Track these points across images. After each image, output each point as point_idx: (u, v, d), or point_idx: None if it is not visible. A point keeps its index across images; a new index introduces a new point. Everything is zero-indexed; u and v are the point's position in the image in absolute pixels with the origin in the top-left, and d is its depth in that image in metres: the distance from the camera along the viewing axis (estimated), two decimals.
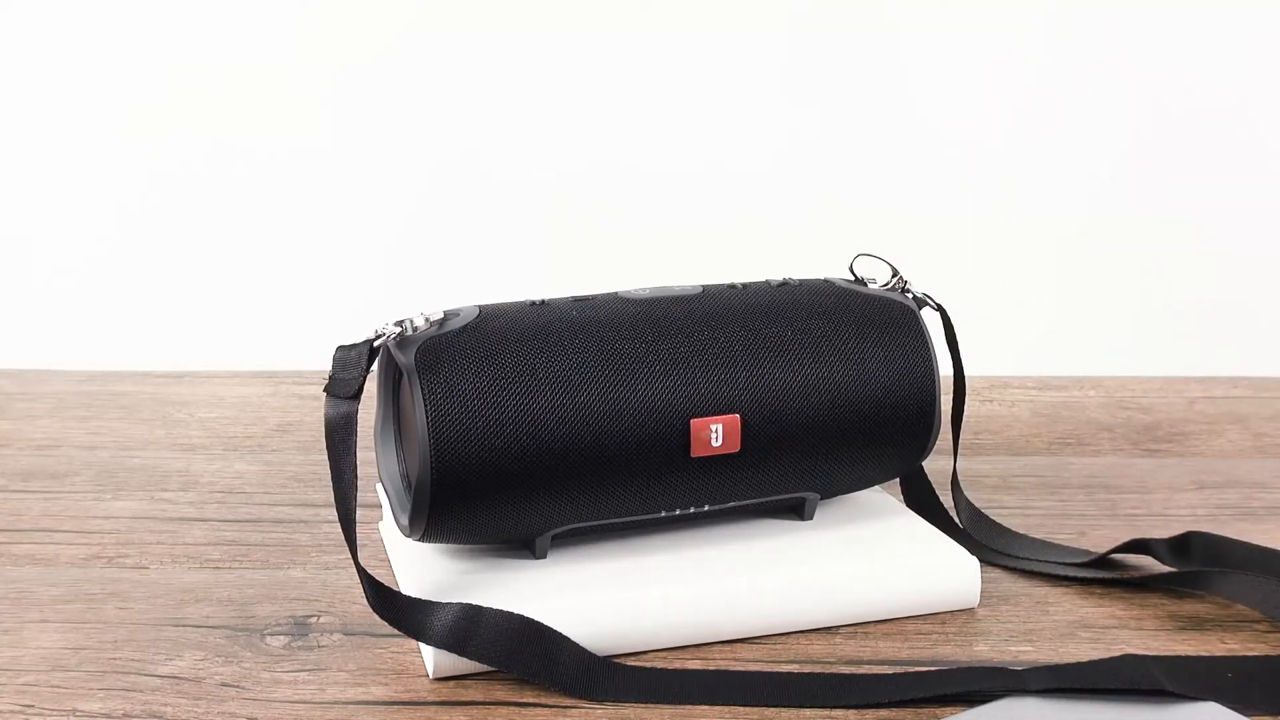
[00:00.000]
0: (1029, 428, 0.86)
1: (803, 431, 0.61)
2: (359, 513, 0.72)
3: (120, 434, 0.85)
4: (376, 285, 1.34)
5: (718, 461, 0.60)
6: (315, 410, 0.89)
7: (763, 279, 0.66)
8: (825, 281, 0.66)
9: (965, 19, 1.35)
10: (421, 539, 0.60)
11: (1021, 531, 0.70)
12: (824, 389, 0.62)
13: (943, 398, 0.65)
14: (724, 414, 0.60)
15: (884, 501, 0.68)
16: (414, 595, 0.60)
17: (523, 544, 0.62)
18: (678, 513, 0.62)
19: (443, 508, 0.58)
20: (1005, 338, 1.37)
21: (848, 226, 1.32)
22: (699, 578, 0.60)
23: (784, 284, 0.65)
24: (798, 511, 0.66)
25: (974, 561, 0.62)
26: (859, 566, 0.61)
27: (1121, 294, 1.40)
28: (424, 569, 0.61)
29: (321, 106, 1.37)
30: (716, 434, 0.60)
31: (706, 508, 0.63)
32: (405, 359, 0.58)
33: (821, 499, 0.66)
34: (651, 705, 0.54)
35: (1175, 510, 0.74)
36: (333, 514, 0.73)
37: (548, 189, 1.36)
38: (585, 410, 0.58)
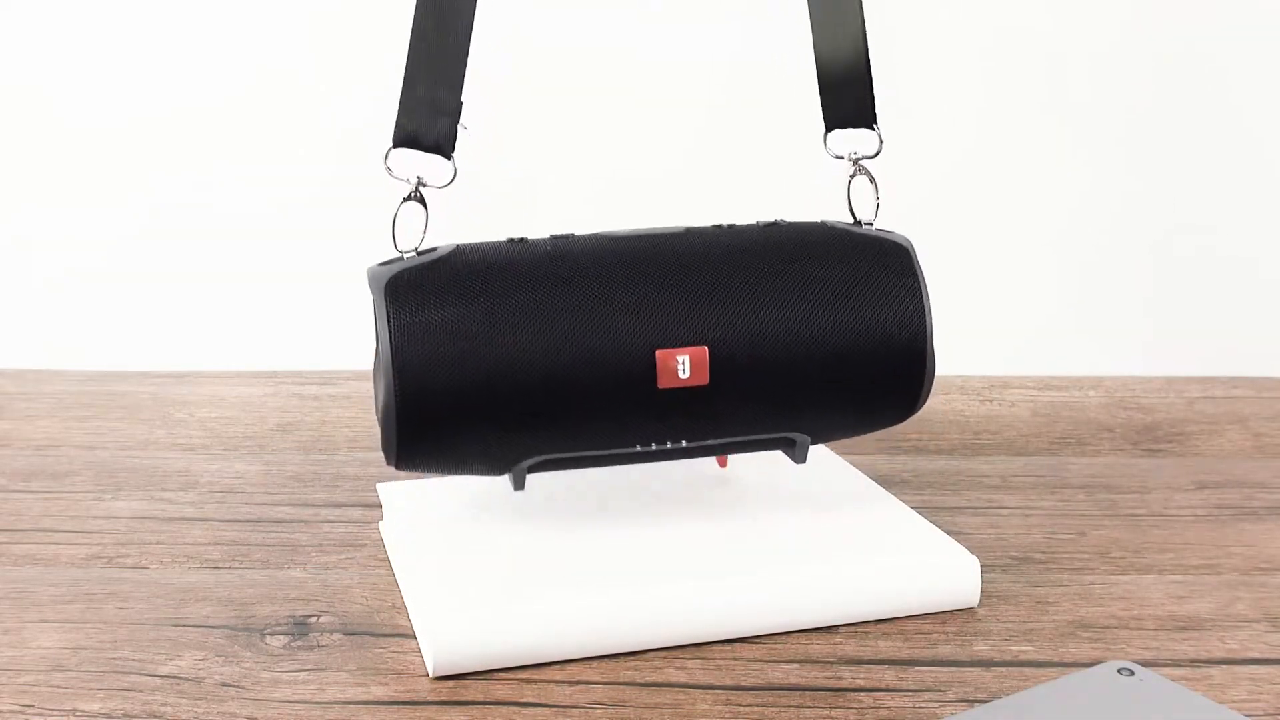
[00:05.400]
0: (1029, 428, 0.86)
1: (776, 366, 0.61)
2: (358, 512, 0.73)
3: (120, 434, 0.85)
4: None
5: (687, 394, 0.60)
6: (315, 410, 0.89)
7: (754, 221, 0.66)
8: (821, 223, 0.66)
9: (959, 15, 1.35)
10: (398, 467, 0.60)
11: (1021, 531, 0.70)
12: (800, 324, 0.61)
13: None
14: (693, 345, 0.60)
15: (884, 501, 0.68)
16: (414, 594, 0.60)
17: (501, 473, 0.62)
18: (653, 447, 0.62)
19: (410, 435, 0.59)
20: (1005, 338, 1.37)
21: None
22: (698, 577, 0.60)
23: (774, 224, 0.65)
24: (790, 454, 0.65)
25: (974, 561, 0.62)
26: (859, 566, 0.61)
27: (1122, 293, 1.40)
28: (424, 569, 0.61)
29: (322, 106, 1.37)
30: (683, 365, 0.60)
31: (684, 443, 0.62)
32: (375, 289, 0.60)
33: (813, 443, 0.65)
34: (652, 705, 0.55)
35: (1175, 510, 0.74)
36: (333, 514, 0.73)
37: (548, 191, 1.36)
38: (552, 341, 0.59)
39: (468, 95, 0.62)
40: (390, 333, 0.58)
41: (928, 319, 0.63)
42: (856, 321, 0.62)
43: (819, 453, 0.75)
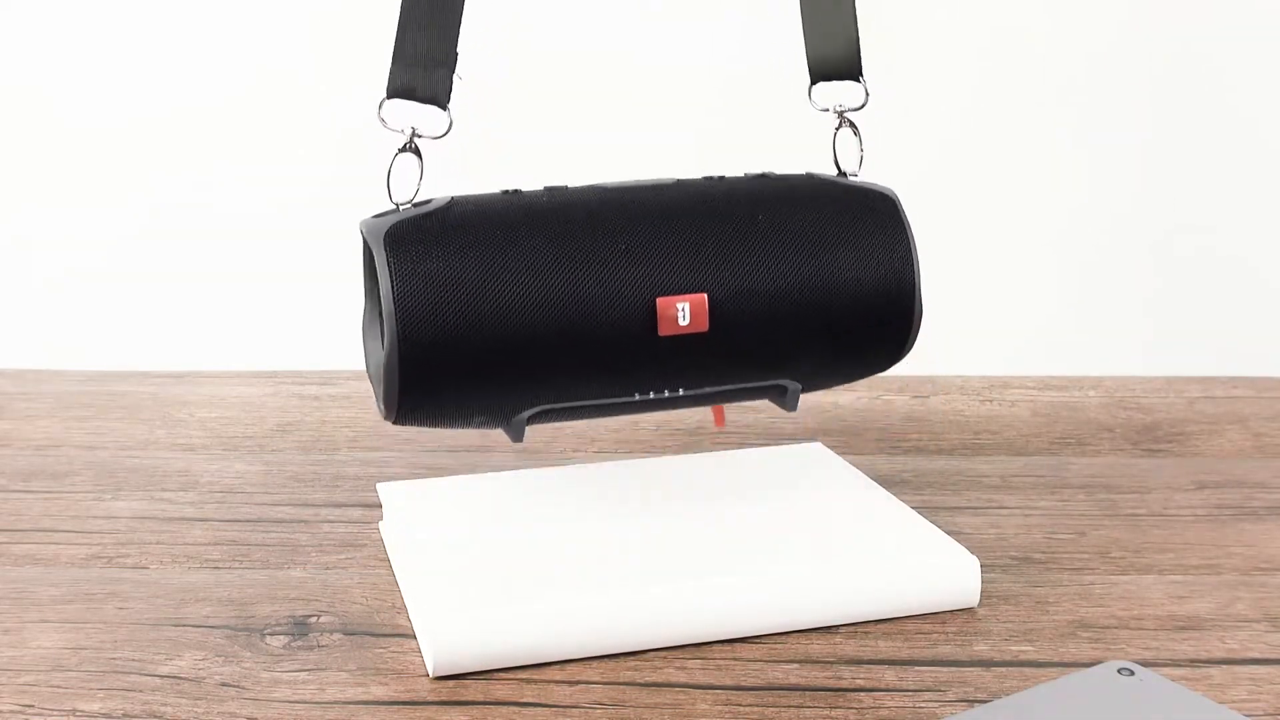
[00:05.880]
0: (1029, 428, 0.86)
1: (773, 313, 0.62)
2: (358, 512, 0.73)
3: (120, 434, 0.85)
4: None
5: (687, 341, 0.61)
6: (315, 410, 0.89)
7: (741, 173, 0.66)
8: (807, 174, 0.67)
9: (958, 15, 1.35)
10: (397, 421, 0.60)
11: (1021, 531, 0.70)
12: (795, 270, 0.62)
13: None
14: (692, 292, 0.60)
15: (885, 502, 0.68)
16: (414, 594, 0.60)
17: (501, 426, 0.62)
18: (651, 396, 0.62)
19: (412, 386, 0.58)
20: (1005, 338, 1.37)
21: None
22: (699, 577, 0.60)
23: (762, 176, 0.66)
24: (780, 402, 0.65)
25: (974, 561, 0.62)
26: (859, 566, 0.61)
27: (1122, 293, 1.41)
28: (424, 569, 0.61)
29: (322, 106, 1.37)
30: (683, 312, 0.60)
31: (681, 391, 0.63)
32: (373, 239, 0.59)
33: (804, 390, 0.65)
34: (652, 705, 0.55)
35: (1175, 510, 0.74)
36: (333, 514, 0.73)
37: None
38: (553, 289, 0.59)
39: (463, 47, 0.62)
40: (392, 282, 0.58)
41: (916, 263, 0.64)
42: (849, 267, 0.63)
43: (819, 453, 0.75)
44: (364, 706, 0.54)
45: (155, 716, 0.54)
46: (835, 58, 0.68)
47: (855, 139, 0.68)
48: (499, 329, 0.58)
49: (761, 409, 0.89)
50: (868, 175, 0.68)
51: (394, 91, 0.62)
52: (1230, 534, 0.71)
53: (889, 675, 0.57)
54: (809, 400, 0.90)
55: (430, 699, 0.55)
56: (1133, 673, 0.54)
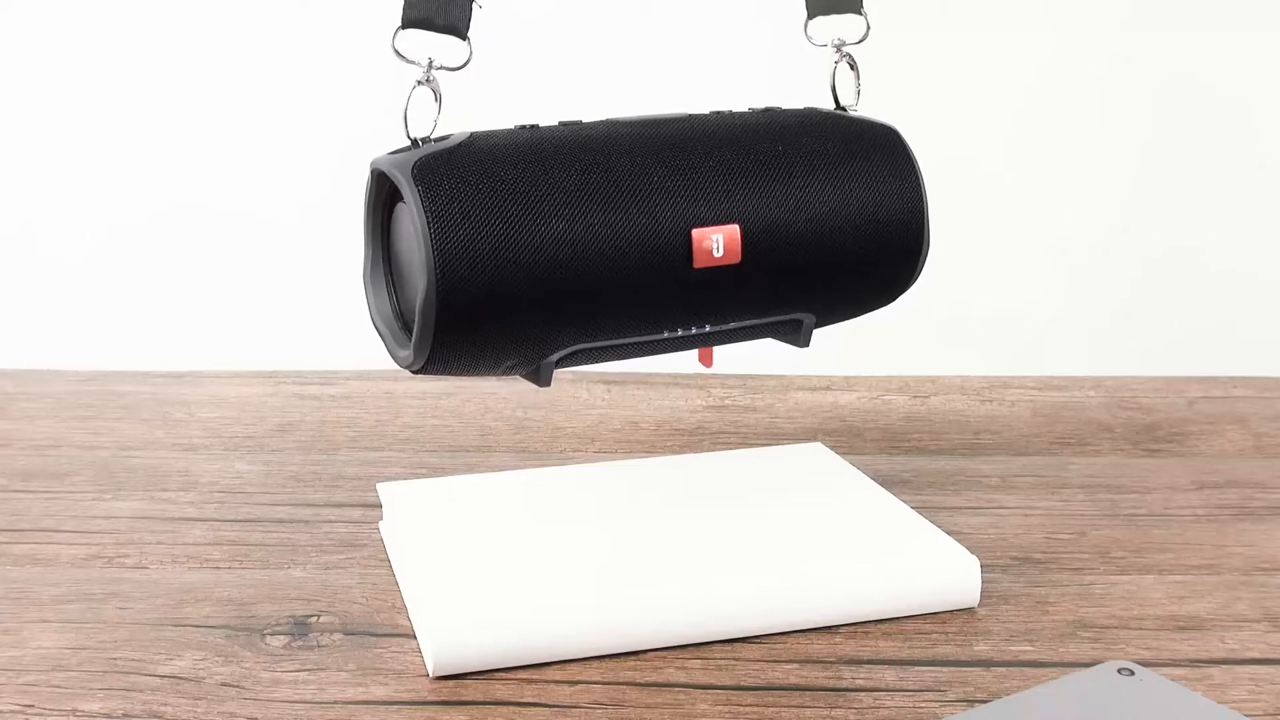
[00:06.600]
0: (1029, 428, 0.86)
1: (800, 242, 0.62)
2: (358, 512, 0.73)
3: (120, 434, 0.85)
4: None
5: (719, 274, 0.60)
6: (315, 410, 0.89)
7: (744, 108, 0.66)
8: (810, 109, 0.67)
9: (963, 18, 1.35)
10: (424, 369, 0.59)
11: (1021, 531, 0.70)
12: (818, 201, 0.62)
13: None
14: (724, 224, 0.60)
15: (884, 501, 0.68)
16: (414, 594, 0.60)
17: (528, 371, 0.61)
18: (679, 333, 0.62)
19: (449, 328, 0.57)
20: (1005, 338, 1.37)
21: None
22: (699, 577, 0.60)
23: (768, 110, 0.66)
24: (794, 338, 0.65)
25: (974, 561, 0.62)
26: (859, 566, 0.61)
27: (1122, 293, 1.40)
28: (424, 569, 0.61)
29: (322, 106, 1.37)
30: (717, 244, 0.60)
31: (707, 328, 0.63)
32: (402, 176, 0.57)
33: (817, 325, 0.66)
34: (652, 705, 0.55)
35: (1175, 510, 0.74)
36: (333, 514, 0.73)
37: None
38: (589, 224, 0.58)
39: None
40: (427, 218, 0.56)
41: (924, 193, 0.65)
42: (867, 195, 0.63)
43: (819, 453, 0.75)
44: (364, 706, 0.54)
45: (155, 716, 0.54)
46: None
47: (854, 74, 0.68)
48: (538, 264, 0.57)
49: (761, 409, 0.89)
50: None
51: (409, 21, 0.59)
52: (1230, 534, 0.71)
53: (889, 675, 0.57)
54: (809, 400, 0.90)
55: (430, 699, 0.55)
56: (1133, 673, 0.54)
